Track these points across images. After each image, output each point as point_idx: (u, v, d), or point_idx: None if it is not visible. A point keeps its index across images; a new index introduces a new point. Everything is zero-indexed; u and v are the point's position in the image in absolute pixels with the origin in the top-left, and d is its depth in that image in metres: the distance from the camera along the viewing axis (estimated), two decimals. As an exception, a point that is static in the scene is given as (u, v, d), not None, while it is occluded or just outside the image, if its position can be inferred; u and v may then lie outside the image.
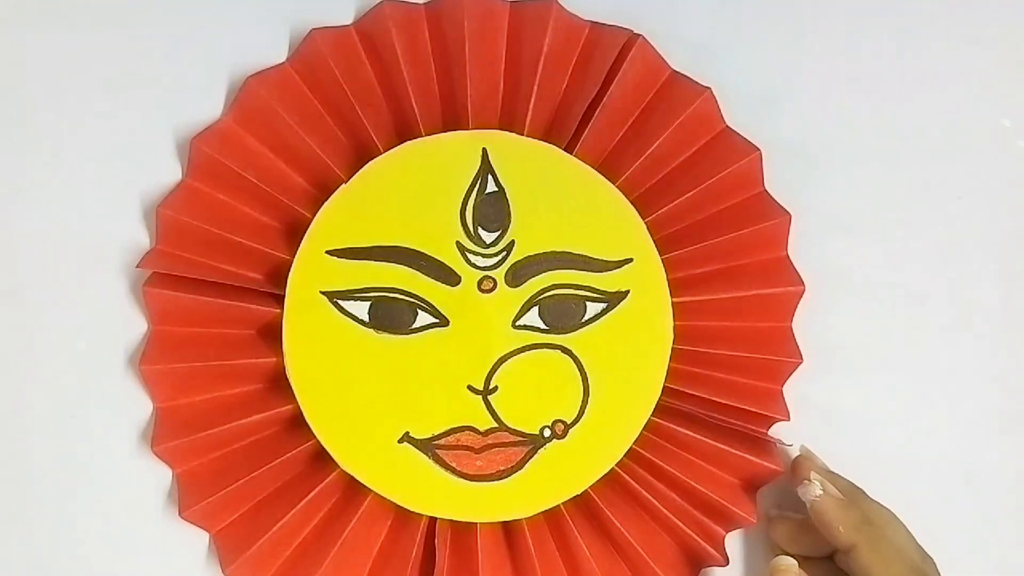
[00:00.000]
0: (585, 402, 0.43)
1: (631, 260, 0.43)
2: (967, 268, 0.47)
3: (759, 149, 0.45)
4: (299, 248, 0.43)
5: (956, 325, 0.46)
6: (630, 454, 0.43)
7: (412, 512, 0.42)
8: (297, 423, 0.42)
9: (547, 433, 0.42)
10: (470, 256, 0.42)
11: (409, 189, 0.43)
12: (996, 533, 0.45)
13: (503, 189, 0.43)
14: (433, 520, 0.42)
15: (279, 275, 0.43)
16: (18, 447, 0.43)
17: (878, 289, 0.46)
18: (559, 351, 0.43)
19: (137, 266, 0.43)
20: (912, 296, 0.46)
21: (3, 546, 0.43)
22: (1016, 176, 0.48)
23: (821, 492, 0.41)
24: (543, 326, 0.42)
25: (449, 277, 0.42)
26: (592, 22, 0.45)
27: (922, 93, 0.48)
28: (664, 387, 0.43)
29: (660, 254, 0.44)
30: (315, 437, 0.42)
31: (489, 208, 0.43)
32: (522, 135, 0.44)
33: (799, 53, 0.47)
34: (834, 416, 0.45)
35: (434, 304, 0.42)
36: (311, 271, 0.42)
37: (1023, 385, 0.46)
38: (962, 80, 0.48)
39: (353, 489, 0.42)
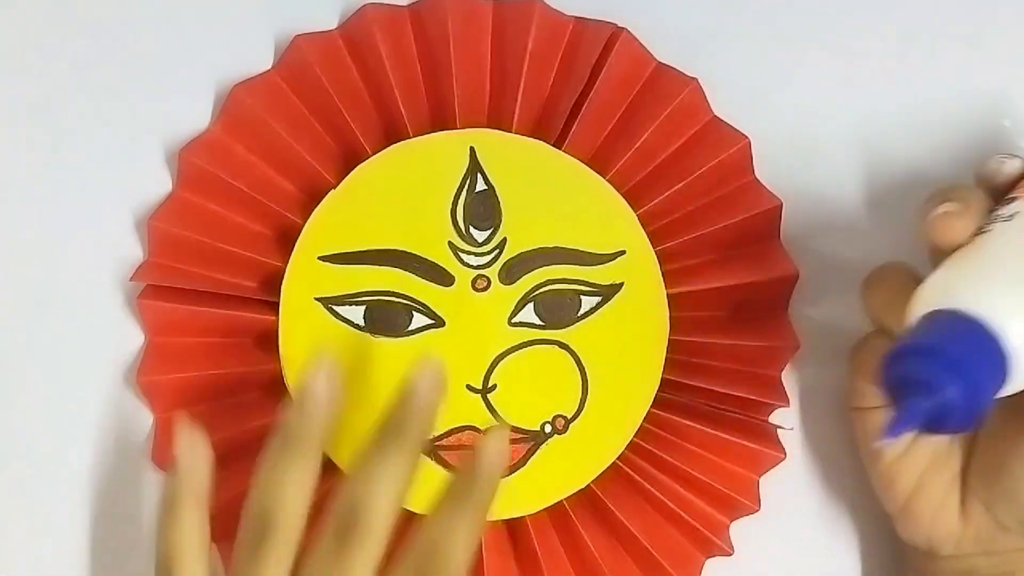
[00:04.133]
0: (584, 396, 0.43)
1: (624, 252, 0.43)
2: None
3: (748, 137, 0.45)
4: (291, 255, 0.43)
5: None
6: (631, 447, 0.43)
7: (416, 513, 0.42)
8: (297, 429, 0.42)
9: (548, 429, 0.42)
10: (463, 255, 0.42)
11: (399, 191, 0.43)
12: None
13: (492, 187, 0.43)
14: None
15: (273, 283, 0.43)
16: (12, 464, 0.43)
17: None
18: (556, 346, 0.43)
19: (130, 279, 0.43)
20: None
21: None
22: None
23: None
24: (539, 322, 0.42)
25: (442, 278, 0.42)
26: (576, 17, 0.45)
27: (920, 92, 0.47)
28: (663, 378, 0.43)
29: (653, 246, 0.44)
30: None
31: (480, 206, 0.43)
32: (510, 132, 0.44)
33: (786, 42, 0.47)
34: (834, 401, 0.45)
35: (429, 305, 0.42)
36: (304, 277, 0.42)
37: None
38: (962, 80, 0.48)
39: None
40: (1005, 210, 0.37)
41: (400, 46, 0.44)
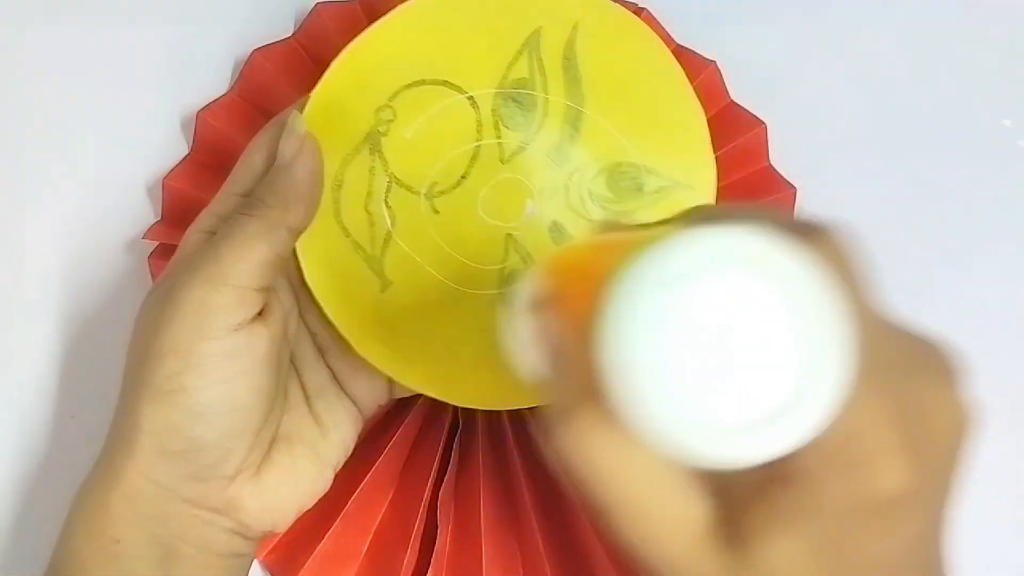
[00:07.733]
0: None
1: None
2: (967, 268, 0.46)
3: (764, 123, 0.45)
4: None
5: (955, 325, 0.46)
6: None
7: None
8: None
9: None
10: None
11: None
12: (993, 532, 0.45)
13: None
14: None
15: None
16: (23, 432, 0.43)
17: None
18: None
19: (143, 237, 0.43)
20: (913, 294, 0.46)
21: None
22: (1016, 176, 0.48)
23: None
24: None
25: None
26: (597, -4, 0.45)
27: (922, 92, 0.47)
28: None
29: (666, 228, 0.43)
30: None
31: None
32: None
33: (805, 28, 0.47)
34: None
35: None
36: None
37: (1022, 385, 0.46)
38: (962, 80, 0.48)
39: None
40: None
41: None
